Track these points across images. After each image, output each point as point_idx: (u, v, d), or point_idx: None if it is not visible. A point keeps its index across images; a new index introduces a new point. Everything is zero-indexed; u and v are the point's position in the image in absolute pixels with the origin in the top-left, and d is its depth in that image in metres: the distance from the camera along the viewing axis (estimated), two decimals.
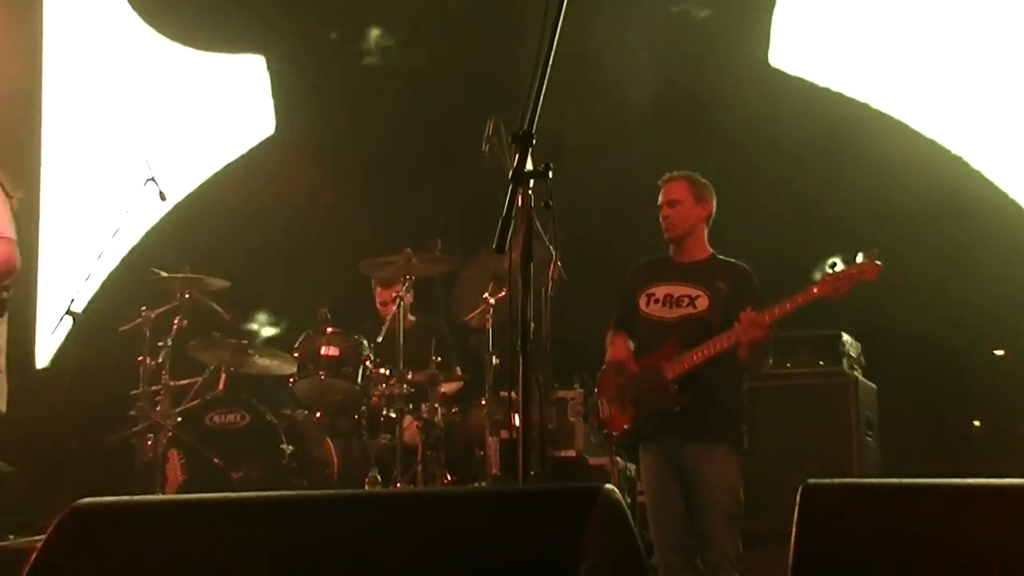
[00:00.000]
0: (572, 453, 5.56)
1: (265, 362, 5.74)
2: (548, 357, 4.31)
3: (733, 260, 4.35)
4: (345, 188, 7.05)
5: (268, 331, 7.13)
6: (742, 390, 4.30)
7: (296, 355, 5.67)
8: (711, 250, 4.39)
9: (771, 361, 4.29)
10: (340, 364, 5.58)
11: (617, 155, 6.52)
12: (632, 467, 5.30)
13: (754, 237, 5.25)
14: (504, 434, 5.29)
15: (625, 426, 4.28)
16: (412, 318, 6.47)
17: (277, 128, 7.48)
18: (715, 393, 4.18)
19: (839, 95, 6.48)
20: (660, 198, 4.36)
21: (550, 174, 2.68)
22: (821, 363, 5.67)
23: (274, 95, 7.49)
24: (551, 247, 4.34)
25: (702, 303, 4.24)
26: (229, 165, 7.43)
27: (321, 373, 5.57)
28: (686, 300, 4.26)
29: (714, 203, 4.36)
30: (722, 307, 4.19)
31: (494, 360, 5.36)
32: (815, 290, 3.95)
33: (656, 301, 4.32)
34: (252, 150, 7.41)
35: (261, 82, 7.52)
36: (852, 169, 6.24)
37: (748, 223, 5.50)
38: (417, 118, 7.15)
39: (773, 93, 6.51)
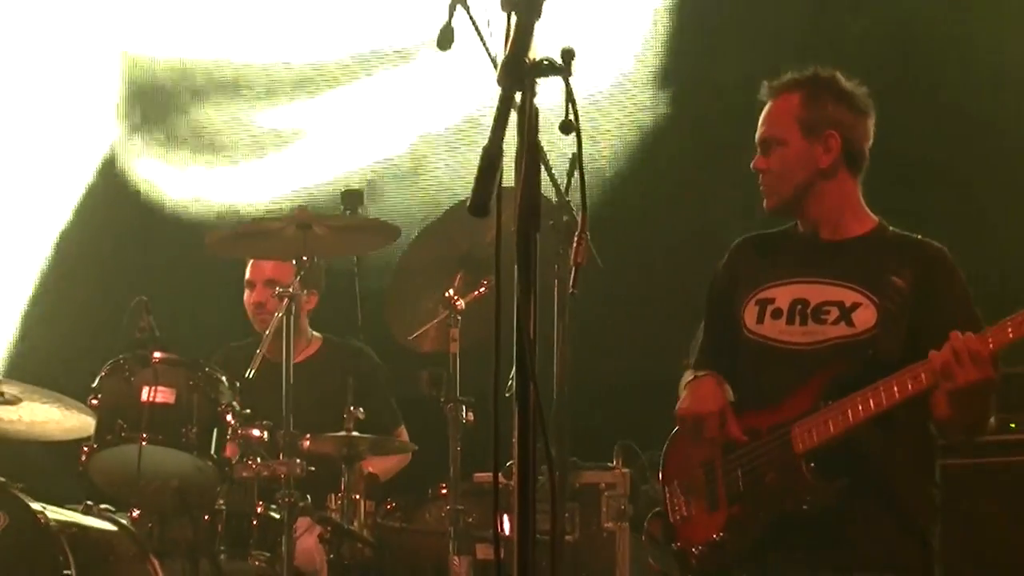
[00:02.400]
0: None
1: (35, 416, 5.75)
2: (568, 412, 4.29)
3: (919, 236, 4.38)
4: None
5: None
6: (934, 475, 4.34)
7: (93, 403, 5.68)
8: (876, 218, 4.43)
9: (993, 422, 4.29)
10: (177, 420, 5.59)
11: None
12: None
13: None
14: (483, 551, 5.37)
15: (715, 536, 4.33)
16: (314, 337, 6.42)
17: None
18: (888, 480, 4.22)
19: None
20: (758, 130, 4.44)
21: (573, 69, 2.68)
22: None
23: None
24: (574, 208, 4.32)
25: (864, 316, 4.27)
26: None
27: (141, 438, 5.58)
28: (834, 311, 4.30)
29: (864, 129, 4.40)
30: (902, 322, 4.23)
31: (464, 415, 5.41)
32: None
33: (777, 313, 4.37)
34: None
35: None
36: None
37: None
38: None
39: None
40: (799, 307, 4.33)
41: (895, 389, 4.06)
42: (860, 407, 4.10)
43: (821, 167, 4.36)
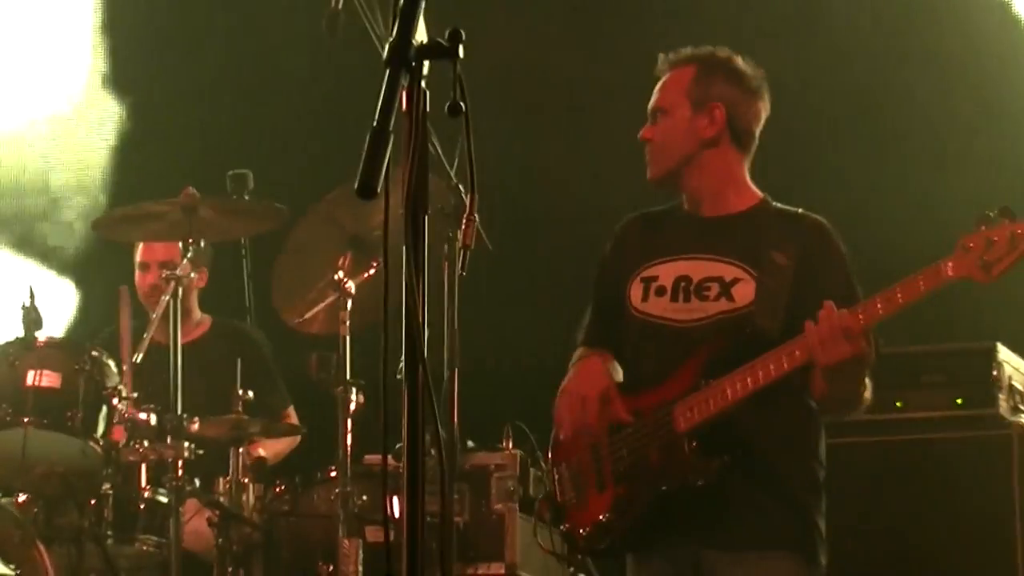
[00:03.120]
0: (500, 570, 5.65)
1: None
2: (458, 394, 4.29)
3: (800, 210, 4.42)
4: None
5: None
6: (818, 451, 4.36)
7: None
8: (760, 194, 4.46)
9: (869, 397, 4.34)
10: (62, 404, 5.56)
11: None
12: None
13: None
14: (373, 534, 5.36)
15: (601, 517, 4.34)
16: (203, 318, 6.38)
17: None
18: (769, 456, 4.26)
19: None
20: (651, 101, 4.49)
21: (461, 51, 2.68)
22: (959, 401, 5.84)
23: None
24: (461, 189, 4.33)
25: (744, 291, 4.29)
26: None
27: (25, 421, 5.52)
28: (715, 287, 4.33)
29: (754, 109, 4.44)
30: (782, 297, 4.26)
31: (353, 397, 5.40)
32: (948, 268, 4.01)
33: (660, 290, 4.38)
34: None
35: None
36: None
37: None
38: None
39: None
40: (683, 284, 4.35)
41: (771, 366, 4.11)
42: (738, 385, 4.15)
43: (704, 137, 4.39)
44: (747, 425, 4.21)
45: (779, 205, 4.44)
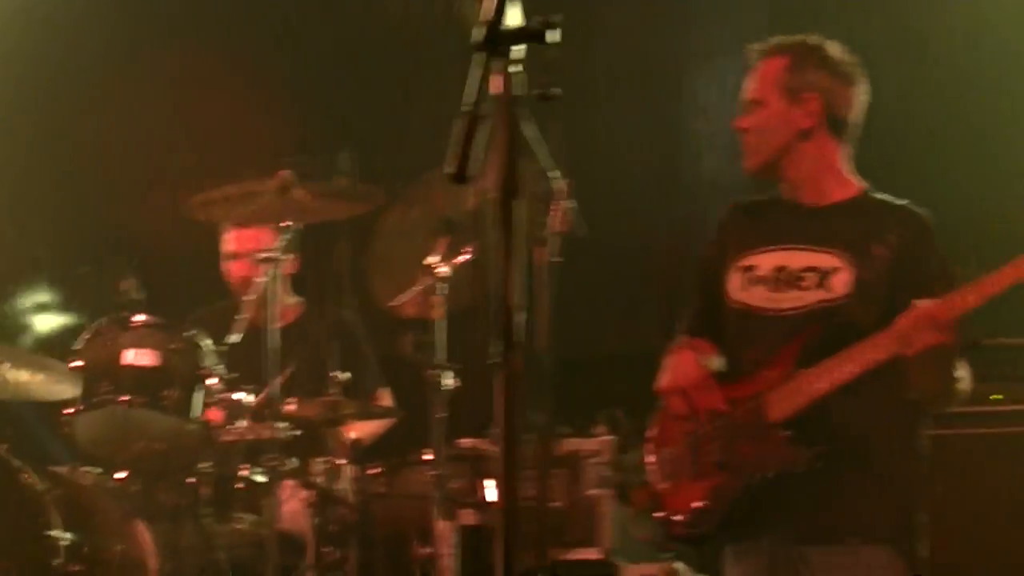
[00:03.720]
0: (594, 554, 5.67)
1: (20, 378, 5.72)
2: (552, 379, 4.30)
3: (903, 203, 4.38)
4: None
5: (43, 321, 7.34)
6: (916, 444, 4.35)
7: (77, 365, 5.68)
8: (861, 184, 4.44)
9: (965, 388, 4.29)
10: (159, 383, 5.61)
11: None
12: None
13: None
14: (467, 517, 5.39)
15: (696, 505, 4.35)
16: (294, 301, 6.41)
17: None
18: (867, 448, 4.24)
19: None
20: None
21: (554, 36, 2.67)
22: None
23: None
24: (553, 173, 4.31)
25: (840, 281, 4.28)
26: None
27: (124, 399, 5.58)
28: (812, 276, 4.32)
29: (848, 97, 4.42)
30: (878, 288, 4.24)
31: (447, 381, 5.41)
32: None
33: (758, 280, 4.38)
34: None
35: None
36: None
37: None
38: None
39: None
40: (780, 274, 4.35)
41: (861, 356, 4.11)
42: (829, 375, 4.15)
43: (800, 128, 4.38)
44: (842, 416, 4.19)
45: (881, 196, 4.41)
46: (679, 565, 5.43)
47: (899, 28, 7.00)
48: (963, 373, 4.22)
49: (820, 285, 4.29)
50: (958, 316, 4.01)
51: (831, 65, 4.40)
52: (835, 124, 4.40)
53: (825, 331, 4.22)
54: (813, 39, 4.44)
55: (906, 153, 6.59)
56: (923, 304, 4.00)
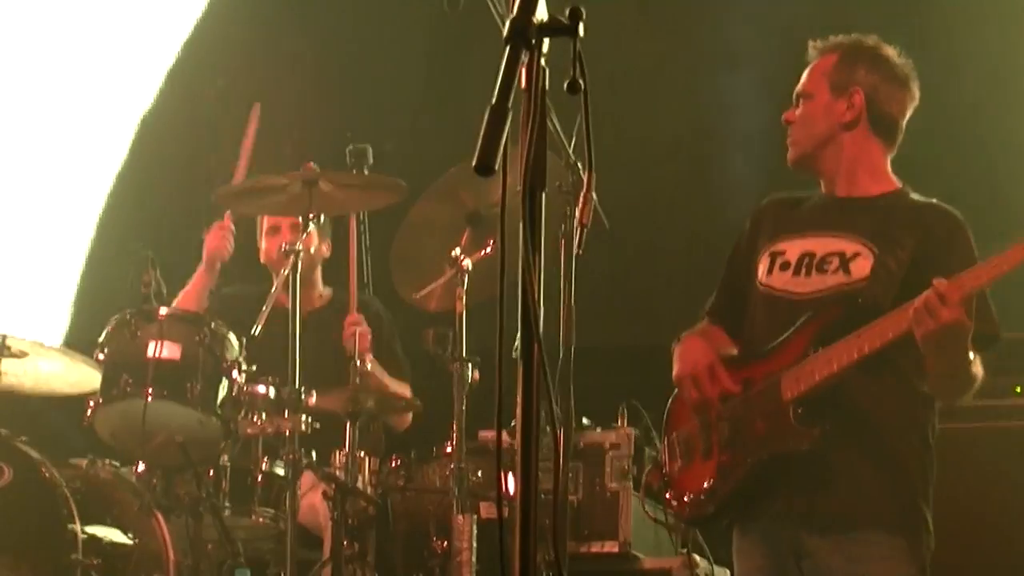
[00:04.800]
0: (614, 547, 5.67)
1: (41, 370, 5.76)
2: (573, 371, 4.30)
3: (936, 201, 4.41)
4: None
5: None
6: (927, 434, 4.34)
7: (99, 358, 5.70)
8: (898, 183, 4.47)
9: (979, 372, 4.28)
10: (182, 376, 5.62)
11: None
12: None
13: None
14: (487, 511, 5.37)
15: (705, 484, 4.39)
16: (321, 292, 6.42)
17: None
18: (876, 433, 4.25)
19: None
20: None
21: (581, 29, 2.66)
22: None
23: None
24: (579, 166, 4.33)
25: (861, 265, 4.30)
26: None
27: (146, 392, 5.59)
28: (835, 261, 4.35)
29: (895, 96, 4.44)
30: (897, 273, 4.26)
31: (470, 374, 5.42)
32: None
33: (785, 265, 4.42)
34: None
35: None
36: None
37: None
38: None
39: None
40: (806, 259, 4.39)
41: (874, 336, 4.12)
42: (843, 355, 4.16)
43: (842, 121, 4.42)
44: (856, 399, 4.22)
45: (917, 196, 4.43)
46: (698, 558, 5.44)
47: (899, 26, 7.01)
48: (978, 368, 4.22)
49: (841, 269, 4.32)
50: (968, 294, 4.03)
51: (881, 64, 4.45)
52: (877, 121, 4.44)
53: (843, 313, 4.24)
54: (871, 39, 4.50)
55: (905, 148, 6.62)
56: (937, 282, 4.01)
